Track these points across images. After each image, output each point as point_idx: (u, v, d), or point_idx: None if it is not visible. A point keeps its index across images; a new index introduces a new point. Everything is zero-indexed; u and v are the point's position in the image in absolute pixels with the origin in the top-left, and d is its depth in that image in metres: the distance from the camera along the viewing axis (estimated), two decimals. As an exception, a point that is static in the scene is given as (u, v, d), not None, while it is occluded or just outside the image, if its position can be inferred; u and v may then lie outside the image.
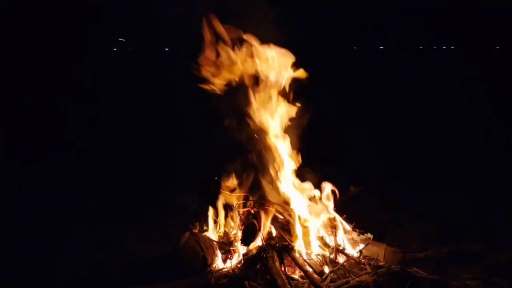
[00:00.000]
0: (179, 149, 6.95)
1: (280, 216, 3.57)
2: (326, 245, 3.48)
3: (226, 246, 3.64)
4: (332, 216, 3.65)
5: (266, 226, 3.46)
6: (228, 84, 3.66)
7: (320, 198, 3.72)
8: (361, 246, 3.48)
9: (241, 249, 3.45)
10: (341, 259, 3.40)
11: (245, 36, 3.54)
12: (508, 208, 4.48)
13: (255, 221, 3.43)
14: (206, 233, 3.78)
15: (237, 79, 3.65)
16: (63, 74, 10.13)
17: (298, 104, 3.73)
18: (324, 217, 3.63)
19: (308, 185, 3.75)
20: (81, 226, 4.62)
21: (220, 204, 3.89)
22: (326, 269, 3.22)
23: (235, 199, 3.85)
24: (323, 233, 3.59)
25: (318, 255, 3.39)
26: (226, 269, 3.37)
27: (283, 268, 3.15)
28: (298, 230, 3.45)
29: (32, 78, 9.57)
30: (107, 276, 3.54)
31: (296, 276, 3.22)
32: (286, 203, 3.63)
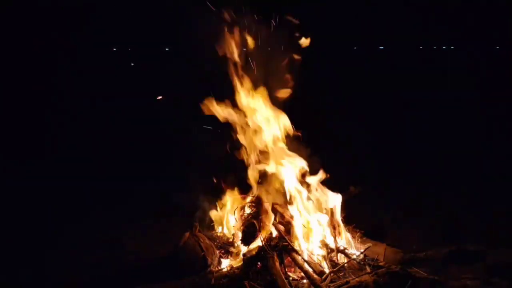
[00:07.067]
0: (179, 149, 6.93)
1: (280, 216, 3.56)
2: (326, 245, 3.48)
3: (226, 246, 3.64)
4: (332, 216, 3.64)
5: (266, 226, 3.46)
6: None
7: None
8: (361, 246, 3.48)
9: (241, 249, 3.45)
10: (341, 259, 3.40)
11: None
12: (508, 208, 4.48)
13: (255, 221, 3.43)
14: (206, 233, 3.77)
15: None
16: (63, 74, 10.13)
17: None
18: (324, 217, 3.62)
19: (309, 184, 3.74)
20: (81, 226, 4.62)
21: (221, 203, 3.89)
22: (326, 269, 3.21)
23: (236, 199, 3.84)
24: (323, 233, 3.58)
25: (318, 255, 3.39)
26: (226, 269, 3.37)
27: (283, 268, 3.15)
28: (298, 230, 3.45)
29: (30, 78, 9.57)
30: (107, 276, 3.53)
31: (296, 276, 3.22)
32: (286, 203, 3.62)
